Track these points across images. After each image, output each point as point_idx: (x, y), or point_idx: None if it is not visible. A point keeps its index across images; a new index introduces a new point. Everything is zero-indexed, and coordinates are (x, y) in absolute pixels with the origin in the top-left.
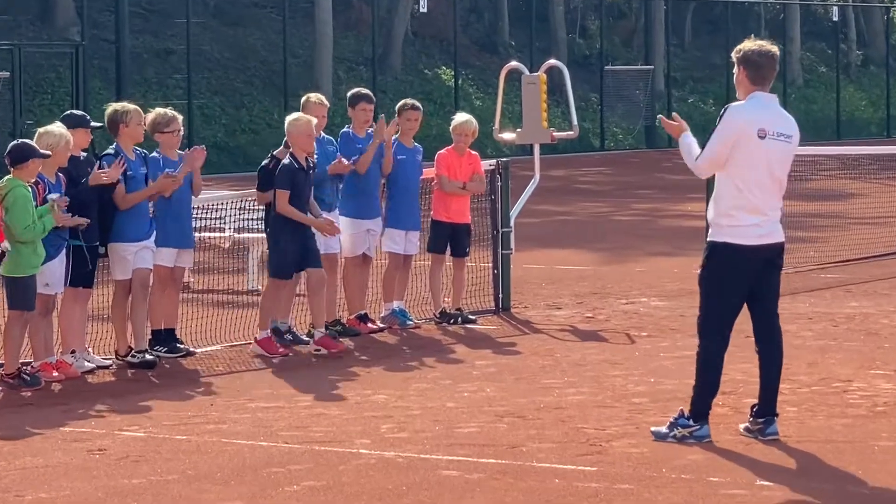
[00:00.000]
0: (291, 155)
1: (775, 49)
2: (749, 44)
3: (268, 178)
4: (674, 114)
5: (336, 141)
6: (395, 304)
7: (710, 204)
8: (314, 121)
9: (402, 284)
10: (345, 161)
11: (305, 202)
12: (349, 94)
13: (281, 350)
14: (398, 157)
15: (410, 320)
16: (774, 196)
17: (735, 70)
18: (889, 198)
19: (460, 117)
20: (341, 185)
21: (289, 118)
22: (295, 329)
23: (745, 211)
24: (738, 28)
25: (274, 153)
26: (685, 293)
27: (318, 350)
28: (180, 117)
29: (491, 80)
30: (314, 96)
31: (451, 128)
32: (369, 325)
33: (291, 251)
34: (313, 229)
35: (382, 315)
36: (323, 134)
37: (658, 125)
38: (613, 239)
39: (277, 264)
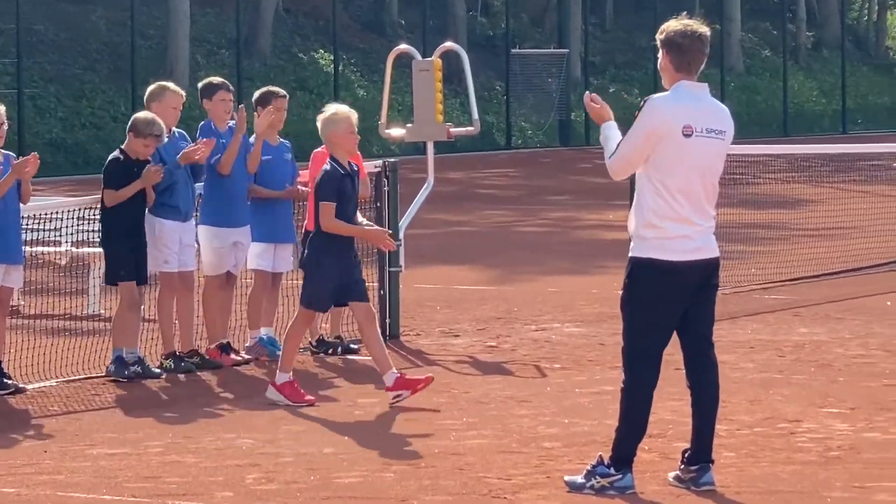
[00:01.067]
0: (332, 159)
1: (705, 29)
2: (674, 23)
3: (117, 172)
4: (593, 94)
5: (191, 136)
6: (263, 332)
7: (631, 213)
8: (355, 115)
9: (270, 308)
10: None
11: (353, 214)
12: (201, 84)
13: (308, 397)
14: (263, 157)
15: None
16: (706, 203)
17: (659, 55)
18: (844, 205)
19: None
20: (201, 189)
21: (324, 115)
22: (144, 357)
23: (672, 221)
24: (667, 6)
25: (123, 147)
26: (605, 318)
27: (399, 397)
28: (3, 108)
29: (377, 66)
30: (170, 85)
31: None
32: (232, 356)
33: (334, 277)
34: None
35: (248, 345)
36: (175, 130)
37: (572, 118)
38: (521, 254)
39: (314, 291)
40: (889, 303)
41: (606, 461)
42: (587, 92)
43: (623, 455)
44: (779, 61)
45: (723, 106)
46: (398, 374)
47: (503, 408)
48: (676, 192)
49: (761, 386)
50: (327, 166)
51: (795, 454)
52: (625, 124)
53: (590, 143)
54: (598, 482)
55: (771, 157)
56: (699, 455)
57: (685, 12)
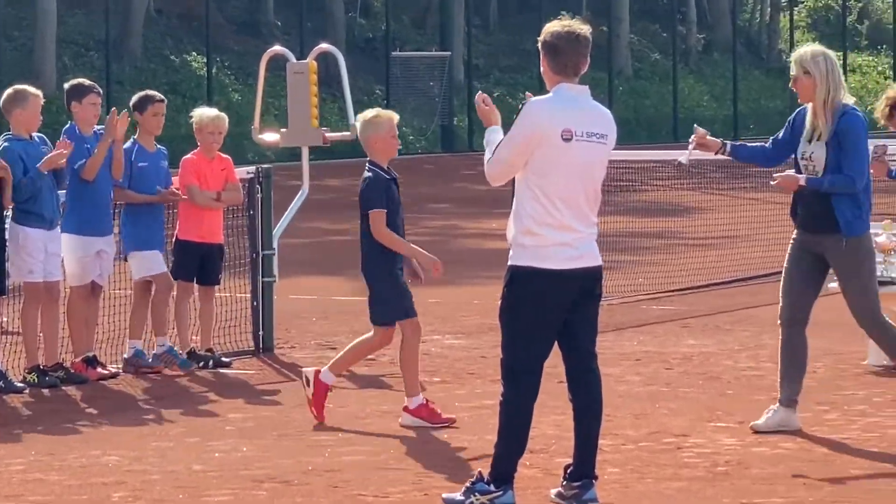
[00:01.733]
0: (372, 164)
1: (584, 31)
2: (554, 25)
3: None
4: (484, 95)
5: (55, 141)
6: (167, 341)
7: (510, 220)
8: (396, 117)
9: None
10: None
11: (401, 226)
12: (69, 85)
13: (447, 416)
14: (139, 165)
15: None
16: (587, 209)
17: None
18: (736, 213)
19: (205, 112)
20: (64, 196)
21: (364, 118)
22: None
23: (552, 228)
24: (553, 6)
25: None
26: (487, 329)
27: (419, 422)
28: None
29: (252, 69)
30: (30, 88)
31: (194, 126)
32: (99, 369)
33: (402, 284)
34: (415, 264)
35: (155, 352)
36: (35, 136)
37: (455, 123)
38: None
39: (393, 306)
40: None
41: (486, 478)
42: (479, 93)
43: (503, 471)
44: (668, 64)
45: (605, 110)
46: (424, 402)
47: (380, 423)
48: (556, 198)
49: (648, 399)
50: (369, 173)
51: (682, 470)
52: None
53: (473, 148)
54: (477, 499)
55: (660, 163)
56: (582, 471)
57: (565, 12)
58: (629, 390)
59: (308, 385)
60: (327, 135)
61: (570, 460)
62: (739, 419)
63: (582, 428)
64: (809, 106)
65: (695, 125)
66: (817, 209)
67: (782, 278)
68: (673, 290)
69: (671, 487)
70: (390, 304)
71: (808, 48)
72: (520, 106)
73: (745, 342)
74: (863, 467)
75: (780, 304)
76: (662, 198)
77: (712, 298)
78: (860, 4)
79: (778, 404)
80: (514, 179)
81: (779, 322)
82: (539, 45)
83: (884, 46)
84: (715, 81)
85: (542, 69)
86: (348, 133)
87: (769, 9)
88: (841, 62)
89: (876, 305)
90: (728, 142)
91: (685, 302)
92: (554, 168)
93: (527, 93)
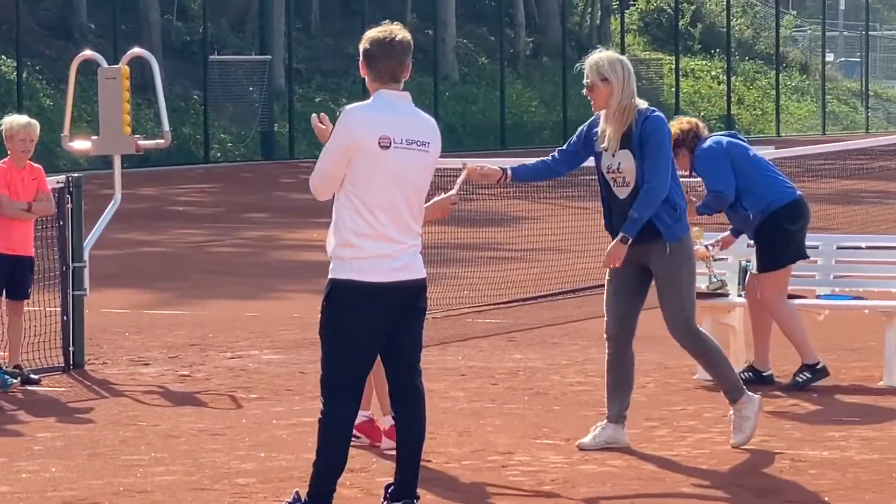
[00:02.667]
0: None
1: (403, 36)
2: (372, 31)
3: None
4: (322, 115)
5: None
6: None
7: (330, 232)
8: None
9: None
10: None
11: None
12: None
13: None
14: None
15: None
16: (409, 220)
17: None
18: (563, 223)
19: (16, 119)
20: None
21: None
22: None
23: (372, 239)
24: (377, 9)
25: None
26: (306, 344)
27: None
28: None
29: (64, 74)
30: None
31: (4, 134)
32: None
33: None
34: None
35: None
36: None
37: (276, 129)
38: (217, 276)
39: None
40: None
41: (304, 497)
42: (314, 115)
43: (322, 490)
44: (496, 69)
45: (428, 117)
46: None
47: (195, 441)
48: (376, 208)
49: (472, 416)
50: None
51: (507, 489)
52: None
53: (294, 156)
54: None
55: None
56: (403, 491)
57: (388, 20)
58: (453, 406)
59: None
60: (140, 142)
61: (392, 479)
62: (566, 436)
63: (404, 446)
64: (602, 114)
65: (463, 162)
66: None
67: (605, 292)
68: (499, 303)
69: None
70: None
71: (602, 54)
72: (338, 113)
73: (573, 356)
74: (692, 485)
75: (605, 318)
76: (489, 208)
77: (539, 311)
78: (693, 7)
79: (606, 421)
80: None
81: (605, 336)
82: (359, 52)
83: (717, 50)
84: (544, 86)
85: (363, 76)
86: (162, 140)
87: (600, 12)
88: (673, 66)
89: (691, 314)
90: (508, 168)
91: (511, 315)
92: (372, 177)
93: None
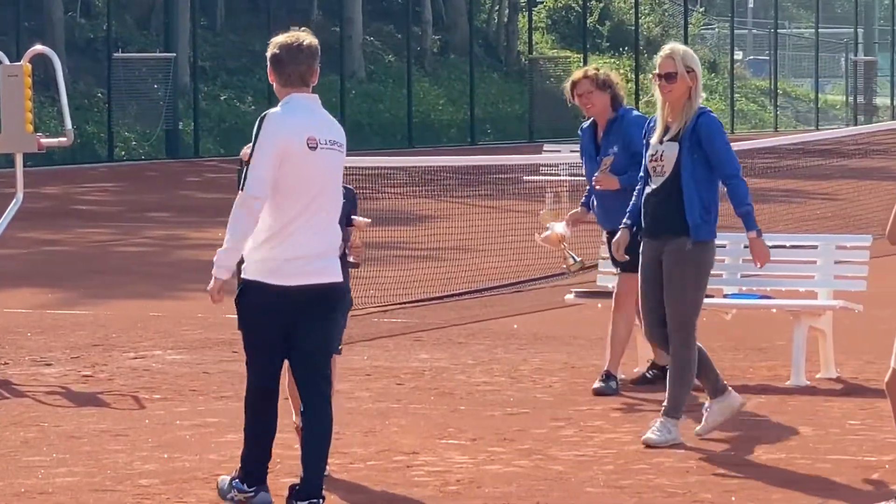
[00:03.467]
0: None
1: (309, 40)
2: (279, 37)
3: None
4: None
5: None
6: None
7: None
8: None
9: None
10: None
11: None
12: None
13: None
14: None
15: None
16: (328, 221)
17: None
18: (471, 222)
19: None
20: None
21: None
22: None
23: (286, 242)
24: (283, 7)
25: None
26: (211, 344)
27: None
28: None
29: None
30: None
31: None
32: None
33: None
34: None
35: None
36: None
37: (181, 128)
38: (120, 275)
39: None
40: (516, 326)
41: (240, 475)
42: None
43: (251, 472)
44: (403, 67)
45: (333, 119)
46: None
47: (97, 442)
48: (293, 210)
49: (377, 416)
50: None
51: (412, 489)
52: (242, 136)
53: (199, 154)
54: (236, 496)
55: (394, 169)
56: (308, 491)
57: (295, 26)
58: (358, 407)
59: None
60: (43, 140)
61: (297, 479)
62: (472, 436)
63: (309, 446)
64: (664, 105)
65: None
66: (664, 212)
67: (640, 296)
68: (405, 303)
69: None
70: None
71: (679, 45)
72: (259, 121)
73: (479, 356)
74: (598, 485)
75: (643, 323)
76: (396, 206)
77: (445, 311)
78: (601, 5)
79: (708, 401)
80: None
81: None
82: (267, 58)
83: (625, 48)
84: (451, 84)
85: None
86: (65, 138)
87: (507, 9)
88: (581, 64)
89: (691, 317)
90: (629, 221)
91: (418, 315)
92: (298, 179)
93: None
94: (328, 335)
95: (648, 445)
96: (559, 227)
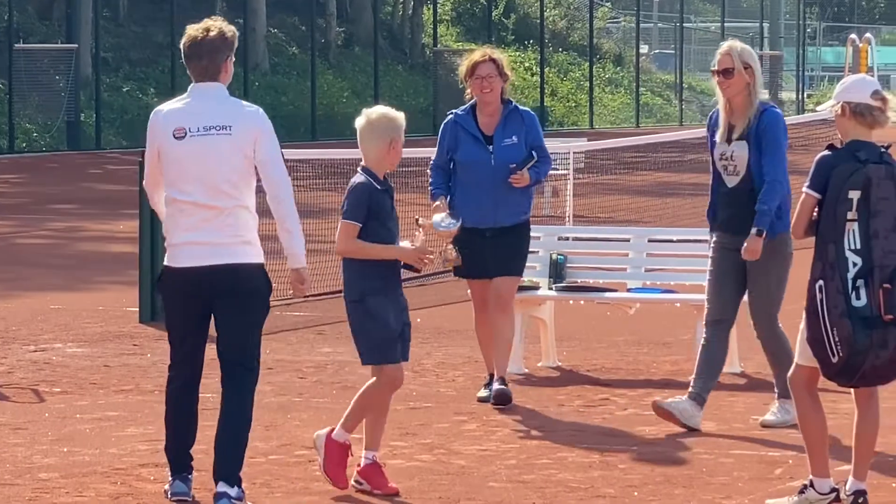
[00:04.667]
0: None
1: (215, 32)
2: (190, 28)
3: None
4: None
5: None
6: None
7: None
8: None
9: None
10: None
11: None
12: None
13: (391, 486)
14: None
15: None
16: (218, 205)
17: None
18: None
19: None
20: None
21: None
22: None
23: (181, 227)
24: None
25: None
26: (112, 337)
27: (360, 484)
28: None
29: None
30: None
31: None
32: None
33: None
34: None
35: None
36: None
37: (82, 119)
38: (21, 268)
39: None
40: (419, 320)
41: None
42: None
43: (171, 460)
44: (307, 59)
45: (240, 103)
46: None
47: None
48: (181, 196)
49: (279, 410)
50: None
51: (313, 483)
52: (139, 127)
53: (101, 146)
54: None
55: (298, 162)
56: (219, 472)
57: (196, 15)
58: (260, 401)
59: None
60: None
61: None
62: None
63: (221, 436)
64: (725, 103)
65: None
66: (744, 211)
67: (707, 281)
68: (308, 296)
69: (302, 502)
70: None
71: (737, 42)
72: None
73: None
74: (501, 480)
75: (707, 306)
76: (300, 199)
77: None
78: None
79: (686, 396)
80: None
81: (704, 322)
82: None
83: (531, 42)
84: (356, 77)
85: None
86: None
87: (412, 2)
88: None
89: (775, 310)
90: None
91: (321, 308)
92: (171, 168)
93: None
94: (239, 321)
95: (765, 426)
96: (450, 223)
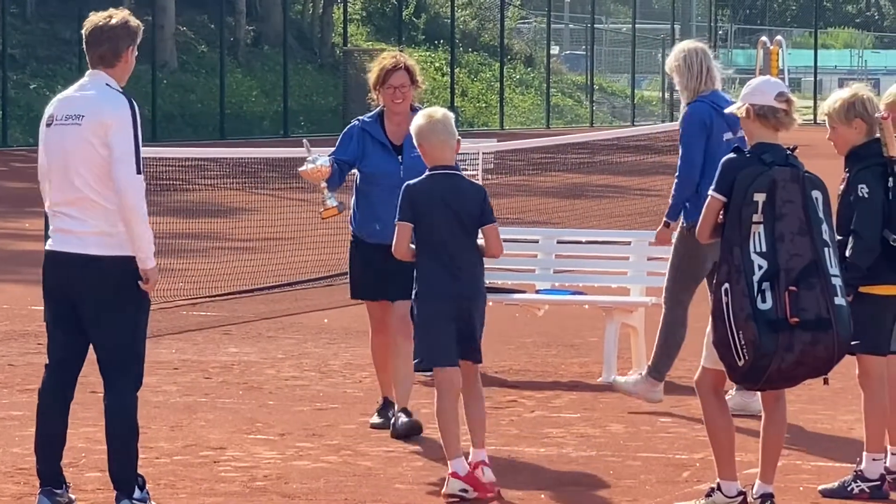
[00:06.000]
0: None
1: (116, 20)
2: (92, 16)
3: None
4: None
5: None
6: None
7: None
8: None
9: None
10: None
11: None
12: None
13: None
14: None
15: None
16: (74, 192)
17: None
18: (282, 214)
19: None
20: None
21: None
22: None
23: (50, 212)
24: None
25: None
26: (16, 336)
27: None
28: None
29: None
30: None
31: None
32: None
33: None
34: None
35: None
36: None
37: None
38: None
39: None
40: (326, 320)
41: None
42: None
43: (38, 470)
44: (216, 57)
45: (110, 91)
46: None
47: None
48: (47, 181)
49: (184, 410)
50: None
51: (218, 484)
52: (32, 126)
53: (7, 144)
54: None
55: (206, 160)
56: (115, 485)
57: (104, 7)
58: (165, 401)
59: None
60: None
61: (100, 474)
62: (280, 431)
63: (109, 442)
64: None
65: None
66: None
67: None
68: (214, 295)
69: (207, 502)
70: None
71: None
72: None
73: (289, 350)
74: (407, 482)
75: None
76: (207, 198)
77: (255, 304)
78: None
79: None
80: None
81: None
82: None
83: (441, 41)
84: (265, 76)
85: None
86: None
87: (322, 1)
88: None
89: (669, 287)
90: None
91: (227, 308)
92: (43, 153)
93: None
94: (110, 324)
95: (616, 386)
96: (323, 161)
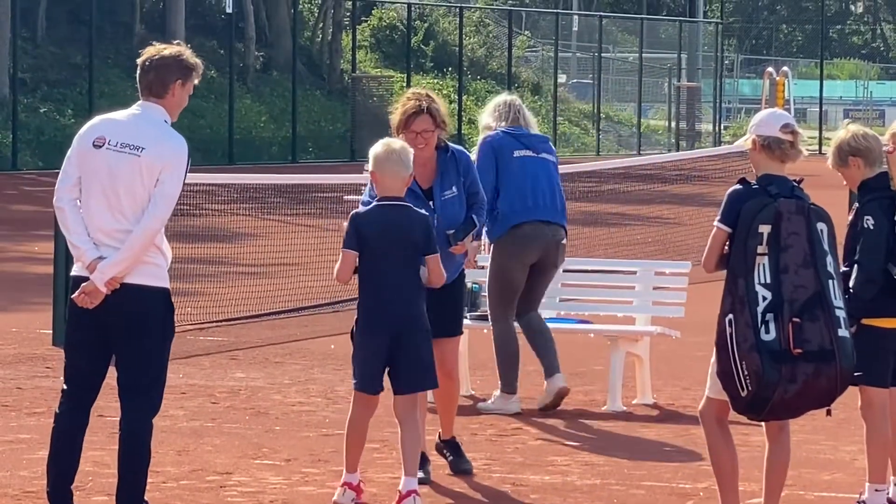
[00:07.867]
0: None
1: (167, 52)
2: (149, 48)
3: None
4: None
5: None
6: None
7: None
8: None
9: None
10: None
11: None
12: None
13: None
14: None
15: None
16: (116, 222)
17: None
18: (290, 240)
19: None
20: None
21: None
22: None
23: (81, 234)
24: (104, 20)
25: None
26: (25, 359)
27: None
28: None
29: None
30: None
31: None
32: None
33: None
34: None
35: None
36: None
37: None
38: None
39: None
40: (333, 346)
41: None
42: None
43: (48, 491)
44: (225, 83)
45: (168, 129)
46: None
47: None
48: (87, 206)
49: (191, 435)
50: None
51: None
52: (62, 147)
53: (17, 167)
54: None
55: (214, 186)
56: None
57: (157, 43)
58: (172, 425)
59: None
60: None
61: (107, 498)
62: (286, 456)
63: (121, 465)
64: None
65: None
66: None
67: None
68: (222, 320)
69: None
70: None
71: None
72: None
73: (295, 375)
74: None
75: None
76: (216, 223)
77: (262, 329)
78: (426, 25)
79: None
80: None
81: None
82: None
83: (449, 69)
84: (274, 101)
85: None
86: None
87: (331, 27)
88: (405, 84)
89: (491, 307)
90: None
91: (234, 333)
92: (85, 173)
93: None
94: (135, 348)
95: (482, 410)
96: None
